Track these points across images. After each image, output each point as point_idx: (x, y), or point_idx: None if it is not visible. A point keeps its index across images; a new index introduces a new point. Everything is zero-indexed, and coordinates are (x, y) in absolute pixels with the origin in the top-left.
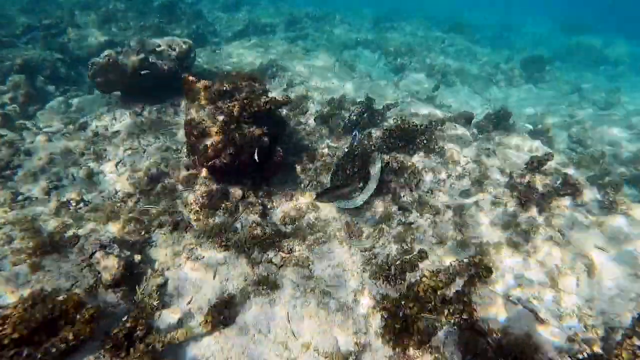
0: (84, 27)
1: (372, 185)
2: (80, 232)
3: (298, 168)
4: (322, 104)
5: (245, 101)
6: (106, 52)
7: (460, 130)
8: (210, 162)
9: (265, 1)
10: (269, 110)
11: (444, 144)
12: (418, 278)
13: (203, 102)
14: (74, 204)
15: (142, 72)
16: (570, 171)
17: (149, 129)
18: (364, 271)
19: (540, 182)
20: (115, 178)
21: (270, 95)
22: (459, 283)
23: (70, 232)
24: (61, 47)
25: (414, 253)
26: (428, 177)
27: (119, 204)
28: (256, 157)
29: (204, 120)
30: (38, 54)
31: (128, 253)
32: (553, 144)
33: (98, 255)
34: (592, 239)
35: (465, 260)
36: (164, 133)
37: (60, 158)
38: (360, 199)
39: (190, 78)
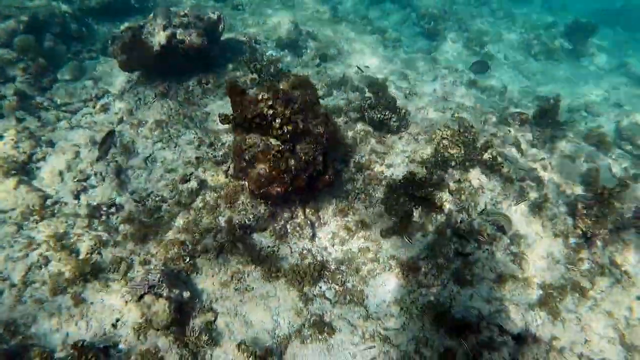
0: None
1: None
2: (122, 254)
3: (345, 176)
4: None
5: (300, 125)
6: (127, 25)
7: (513, 133)
8: (263, 190)
9: None
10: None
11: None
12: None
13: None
14: (105, 209)
15: None
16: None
17: (176, 114)
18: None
19: (612, 213)
20: (145, 176)
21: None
22: None
23: (109, 254)
24: None
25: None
26: (483, 198)
27: (155, 217)
28: None
29: (255, 144)
30: (45, 7)
31: (177, 292)
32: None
33: (147, 299)
34: None
35: None
36: (193, 120)
37: (85, 151)
38: None
39: (236, 87)
